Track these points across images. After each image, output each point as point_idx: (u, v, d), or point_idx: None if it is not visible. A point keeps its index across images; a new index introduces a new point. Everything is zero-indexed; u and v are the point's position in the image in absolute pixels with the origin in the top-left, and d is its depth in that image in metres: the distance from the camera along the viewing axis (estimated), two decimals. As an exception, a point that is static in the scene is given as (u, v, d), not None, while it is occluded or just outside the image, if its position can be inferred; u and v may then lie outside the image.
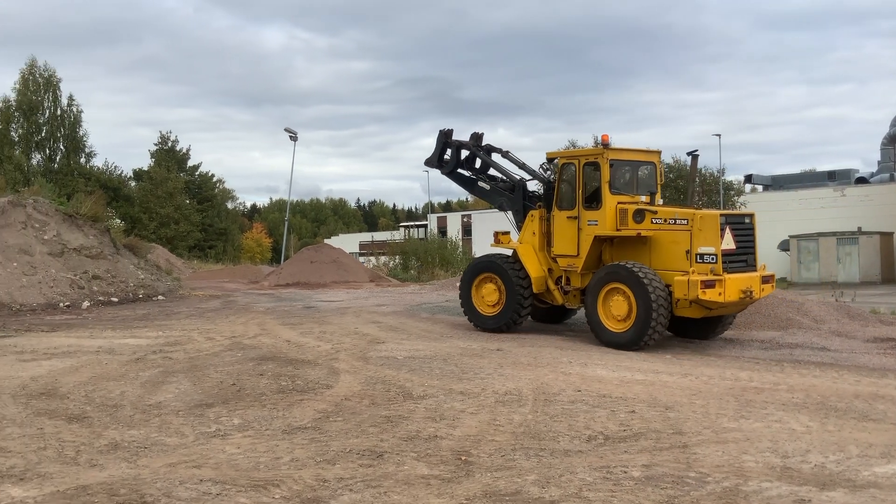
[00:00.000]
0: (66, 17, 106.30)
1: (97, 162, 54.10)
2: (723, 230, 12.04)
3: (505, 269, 13.92)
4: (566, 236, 13.52)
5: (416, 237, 51.02)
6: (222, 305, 19.13)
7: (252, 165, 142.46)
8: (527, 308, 14.02)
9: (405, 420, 7.67)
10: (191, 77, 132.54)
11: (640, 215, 12.79)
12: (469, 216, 68.55)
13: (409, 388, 9.16)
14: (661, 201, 14.16)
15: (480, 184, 15.61)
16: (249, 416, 7.85)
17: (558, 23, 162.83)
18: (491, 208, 17.69)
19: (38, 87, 50.93)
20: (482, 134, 15.71)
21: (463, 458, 6.39)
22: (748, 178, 55.79)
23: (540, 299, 14.29)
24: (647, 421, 7.59)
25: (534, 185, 14.94)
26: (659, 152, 13.97)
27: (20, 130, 50.58)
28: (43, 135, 51.11)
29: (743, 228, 12.60)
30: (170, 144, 60.72)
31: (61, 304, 18.28)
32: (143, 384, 9.30)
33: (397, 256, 38.80)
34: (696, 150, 14.08)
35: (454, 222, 67.17)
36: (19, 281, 18.63)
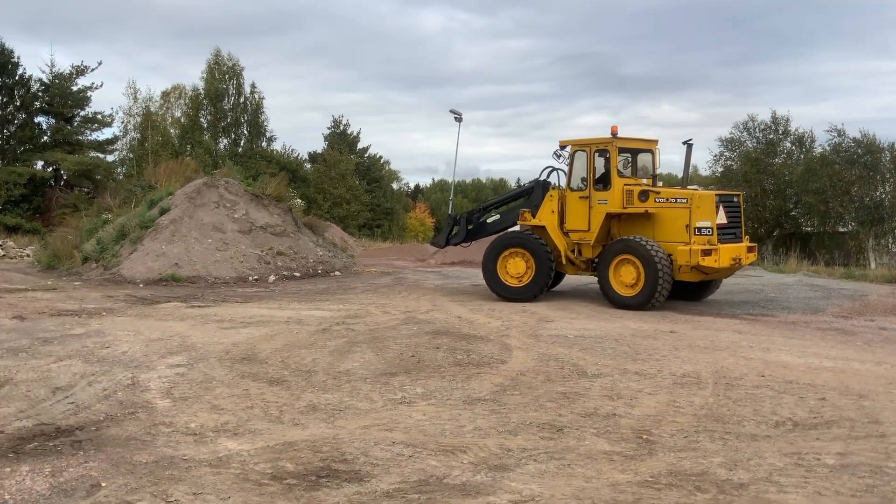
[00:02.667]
0: (244, 7, 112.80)
1: (276, 146, 57.44)
2: (717, 207, 13.96)
3: (535, 243, 15.35)
4: (578, 214, 15.39)
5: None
6: (393, 282, 19.91)
7: (413, 147, 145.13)
8: (552, 278, 15.58)
9: (581, 397, 7.75)
10: (356, 62, 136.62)
11: (644, 195, 14.73)
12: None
13: (583, 366, 9.22)
14: (661, 182, 16.22)
15: (490, 220, 17.43)
16: (430, 385, 8.23)
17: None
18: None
19: (223, 75, 54.59)
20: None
21: (644, 436, 6.40)
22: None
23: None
24: (839, 409, 7.24)
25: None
26: (657, 140, 15.67)
27: (208, 117, 54.50)
28: (228, 121, 54.79)
29: (732, 206, 14.59)
30: (341, 128, 63.46)
31: (250, 278, 19.74)
32: (331, 352, 9.95)
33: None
34: (691, 140, 15.85)
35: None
36: (213, 256, 20.30)
